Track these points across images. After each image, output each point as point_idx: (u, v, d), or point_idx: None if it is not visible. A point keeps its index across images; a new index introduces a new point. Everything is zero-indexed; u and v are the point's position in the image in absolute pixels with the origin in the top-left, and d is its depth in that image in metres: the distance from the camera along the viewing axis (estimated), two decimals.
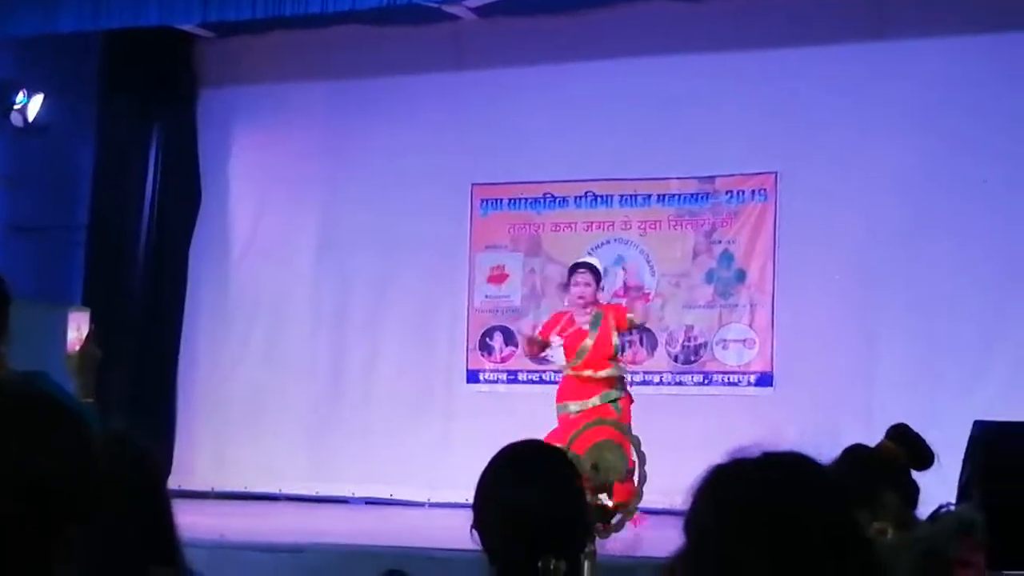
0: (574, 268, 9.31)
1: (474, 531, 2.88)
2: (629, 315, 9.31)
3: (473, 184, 11.57)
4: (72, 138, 12.18)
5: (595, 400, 8.94)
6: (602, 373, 8.99)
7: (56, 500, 1.65)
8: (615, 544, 4.47)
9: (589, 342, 9.03)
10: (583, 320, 9.14)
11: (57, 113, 11.87)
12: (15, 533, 1.62)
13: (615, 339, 9.09)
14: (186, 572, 2.77)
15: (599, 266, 9.49)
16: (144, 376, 11.88)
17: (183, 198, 12.30)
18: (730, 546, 1.71)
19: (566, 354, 9.19)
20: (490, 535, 2.87)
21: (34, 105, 11.70)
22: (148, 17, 10.60)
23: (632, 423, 8.64)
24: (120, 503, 2.34)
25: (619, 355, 9.24)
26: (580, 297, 9.14)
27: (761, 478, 1.78)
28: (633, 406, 9.07)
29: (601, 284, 9.41)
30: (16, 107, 11.65)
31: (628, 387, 9.23)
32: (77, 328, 8.41)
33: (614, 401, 8.96)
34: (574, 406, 8.94)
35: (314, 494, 11.40)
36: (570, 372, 9.10)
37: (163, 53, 12.08)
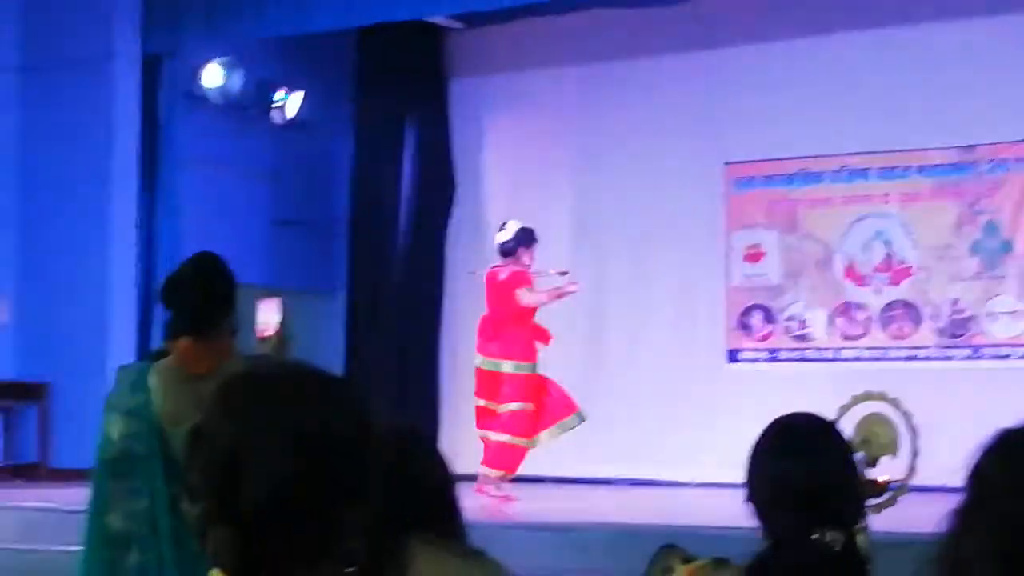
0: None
1: (748, 504, 2.86)
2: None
3: (726, 163, 11.47)
4: (331, 133, 12.51)
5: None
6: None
7: (339, 462, 1.63)
8: (886, 520, 4.38)
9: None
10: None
11: (316, 109, 12.19)
12: (300, 496, 1.61)
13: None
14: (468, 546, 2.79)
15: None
16: (407, 362, 12.11)
17: (438, 188, 12.50)
18: (1014, 503, 1.68)
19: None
20: (760, 508, 2.85)
21: (294, 102, 12.03)
22: (399, 11, 10.79)
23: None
24: (406, 494, 2.38)
25: None
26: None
27: None
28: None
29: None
30: (277, 105, 12.00)
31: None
32: (267, 314, 8.51)
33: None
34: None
35: (578, 476, 11.44)
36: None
37: (414, 46, 12.30)
